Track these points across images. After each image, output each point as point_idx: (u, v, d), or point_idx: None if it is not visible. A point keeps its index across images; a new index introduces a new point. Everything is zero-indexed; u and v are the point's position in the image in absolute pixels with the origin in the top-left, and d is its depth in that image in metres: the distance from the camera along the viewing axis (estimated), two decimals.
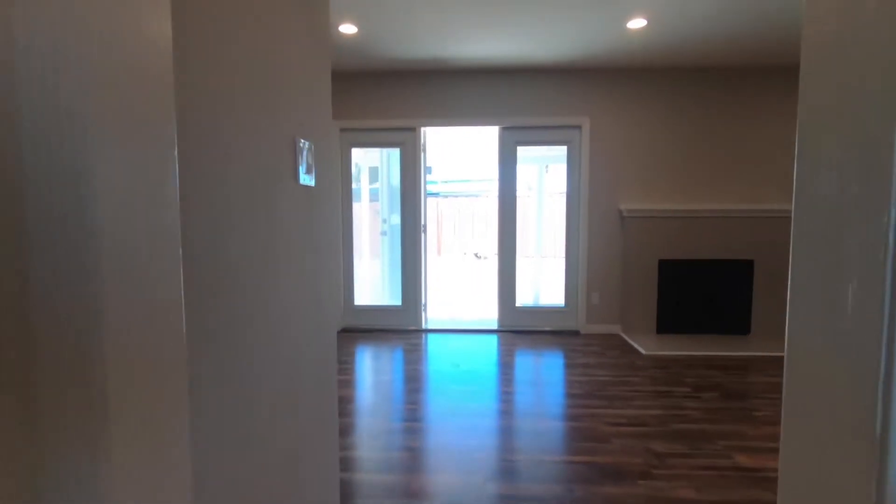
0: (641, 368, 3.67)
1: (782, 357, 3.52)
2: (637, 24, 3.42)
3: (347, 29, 3.49)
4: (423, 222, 4.82)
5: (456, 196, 15.18)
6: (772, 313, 4.50)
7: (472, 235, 13.96)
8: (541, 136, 4.67)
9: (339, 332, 4.75)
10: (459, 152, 14.72)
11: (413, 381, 3.41)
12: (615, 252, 4.67)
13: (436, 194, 15.97)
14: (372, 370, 3.68)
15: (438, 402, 3.05)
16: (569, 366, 3.73)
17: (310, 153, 1.28)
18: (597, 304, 4.71)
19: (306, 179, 1.26)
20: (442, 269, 10.88)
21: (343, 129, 4.70)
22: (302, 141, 1.21)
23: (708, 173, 4.57)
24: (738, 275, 4.51)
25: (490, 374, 3.56)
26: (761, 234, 4.43)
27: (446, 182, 16.23)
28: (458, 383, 3.34)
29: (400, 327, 4.84)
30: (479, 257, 13.53)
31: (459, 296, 7.35)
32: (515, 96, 4.57)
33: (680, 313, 4.58)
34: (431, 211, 13.85)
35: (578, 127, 4.60)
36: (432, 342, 4.45)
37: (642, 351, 4.08)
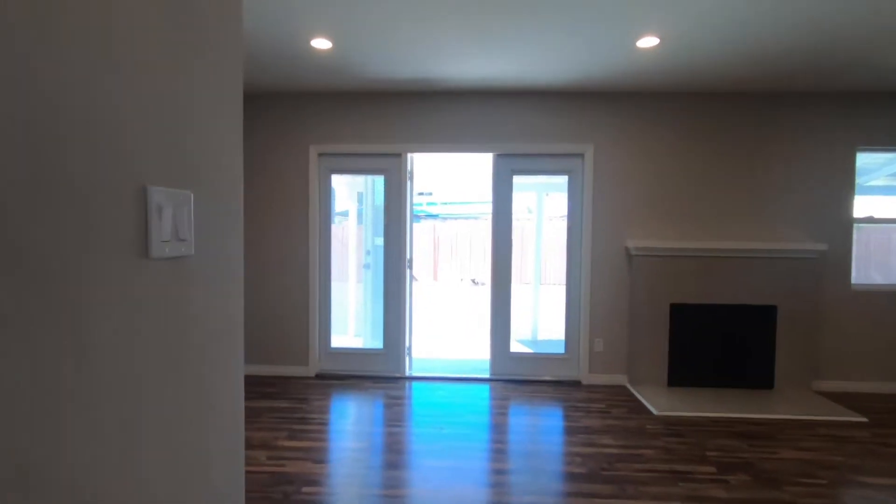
0: (654, 435, 3.16)
1: (811, 421, 3.00)
2: (648, 42, 3.02)
3: (320, 44, 3.09)
4: (408, 256, 4.36)
5: (456, 218, 14.80)
6: (796, 366, 4.01)
7: (470, 259, 13.50)
8: (539, 164, 4.25)
9: (312, 379, 4.25)
10: (460, 173, 14.39)
11: (389, 452, 2.90)
12: (621, 294, 4.19)
13: (435, 216, 15.61)
14: (342, 433, 3.17)
15: (415, 485, 2.54)
16: (570, 430, 3.22)
17: (183, 209, 0.83)
18: (600, 351, 4.22)
19: (171, 250, 0.80)
20: (436, 296, 10.40)
21: (321, 154, 4.27)
22: (159, 192, 0.76)
23: (726, 209, 4.13)
24: (759, 322, 4.03)
25: (479, 440, 3.05)
26: (785, 277, 3.96)
27: (446, 204, 15.87)
28: (440, 457, 2.83)
29: (381, 374, 4.34)
30: (477, 283, 13.05)
31: (452, 328, 6.85)
32: (511, 121, 4.17)
33: (694, 364, 4.08)
34: (428, 234, 13.43)
35: (581, 155, 4.18)
36: (417, 393, 3.95)
37: (653, 410, 3.57)
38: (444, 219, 15.05)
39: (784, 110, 4.07)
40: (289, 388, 4.00)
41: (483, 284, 12.71)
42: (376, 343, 4.43)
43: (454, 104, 4.17)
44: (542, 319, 5.51)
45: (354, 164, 4.31)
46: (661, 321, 4.06)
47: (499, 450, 2.93)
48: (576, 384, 4.20)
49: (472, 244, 13.40)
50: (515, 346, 4.41)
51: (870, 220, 4.22)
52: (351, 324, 4.83)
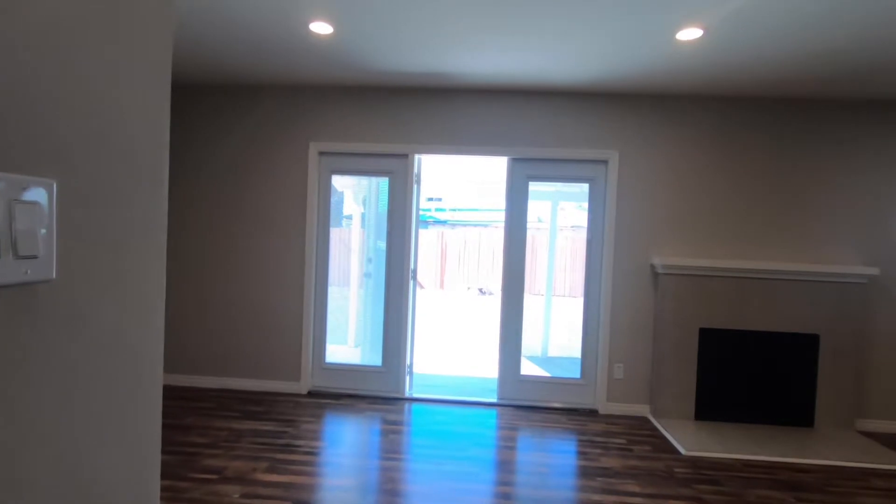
0: (684, 482, 2.76)
1: (863, 470, 2.57)
2: (690, 34, 2.66)
3: (320, 28, 2.76)
4: (412, 266, 4.01)
5: (465, 225, 14.44)
6: (840, 402, 3.59)
7: (478, 267, 13.13)
8: (558, 170, 3.89)
9: (303, 397, 3.90)
10: (470, 178, 14.07)
11: (381, 494, 2.53)
12: (645, 316, 3.81)
13: (443, 222, 15.27)
14: (330, 466, 2.80)
15: None
16: (587, 472, 2.84)
17: (32, 209, 0.49)
18: (620, 378, 3.83)
19: (4, 273, 0.46)
20: (442, 305, 10.02)
21: (322, 153, 3.95)
22: None
23: (764, 226, 3.73)
24: (799, 352, 3.62)
25: (483, 482, 2.67)
26: (829, 303, 3.56)
27: (455, 210, 15.53)
28: (438, 501, 2.46)
29: (379, 393, 3.98)
30: (484, 293, 12.66)
31: (457, 340, 6.48)
32: (529, 123, 3.81)
33: (725, 396, 3.68)
34: (436, 241, 13.09)
35: (605, 162, 3.82)
36: (417, 418, 3.58)
37: (681, 449, 3.17)
38: (453, 225, 14.69)
39: (832, 118, 3.68)
40: (276, 407, 3.65)
41: (491, 294, 12.32)
42: (375, 358, 4.08)
43: (467, 102, 3.83)
44: (554, 334, 5.13)
45: (357, 165, 3.98)
46: (690, 347, 3.66)
47: (505, 495, 2.55)
48: (592, 413, 3.81)
49: (481, 252, 13.04)
50: (526, 368, 4.04)
51: None
52: (351, 333, 4.48)
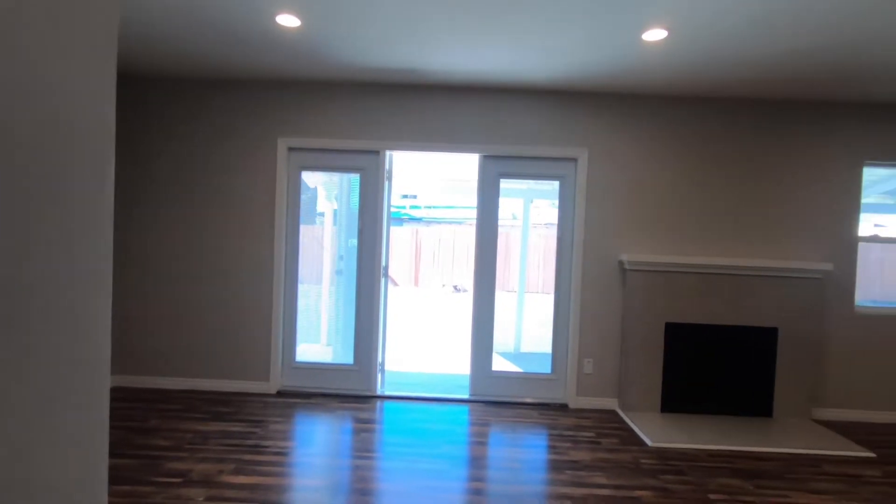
0: (650, 472, 2.83)
1: (817, 457, 2.69)
2: (655, 35, 2.72)
3: (287, 21, 2.71)
4: (384, 263, 3.99)
5: (440, 222, 14.43)
6: (797, 393, 3.74)
7: (453, 265, 13.16)
8: (529, 168, 3.92)
9: (273, 397, 3.83)
10: (445, 176, 14.05)
11: (352, 494, 2.50)
12: (613, 311, 3.88)
13: (418, 219, 15.22)
14: (300, 466, 2.76)
15: None
16: (557, 466, 2.88)
17: None
18: (590, 372, 3.89)
19: None
20: (416, 303, 9.99)
21: (291, 149, 3.88)
22: None
23: (728, 223, 3.85)
24: (760, 345, 3.76)
25: (455, 478, 2.68)
26: (788, 297, 3.70)
27: (430, 207, 15.50)
28: (411, 500, 2.46)
29: (351, 392, 3.94)
30: (459, 290, 12.70)
31: (431, 337, 6.47)
32: (500, 121, 3.83)
33: (689, 389, 3.78)
34: (410, 238, 13.05)
35: (574, 160, 3.87)
36: (389, 416, 3.56)
37: (648, 441, 3.25)
38: (428, 223, 14.67)
39: (791, 119, 3.82)
40: (245, 408, 3.58)
41: (465, 291, 12.37)
42: (346, 356, 4.04)
43: (439, 99, 3.82)
44: (527, 330, 5.19)
45: (328, 161, 3.92)
46: (656, 342, 3.75)
47: (477, 491, 2.57)
48: (562, 408, 3.87)
49: (456, 250, 13.07)
50: (498, 364, 4.07)
51: (874, 238, 3.99)
52: (323, 331, 4.42)
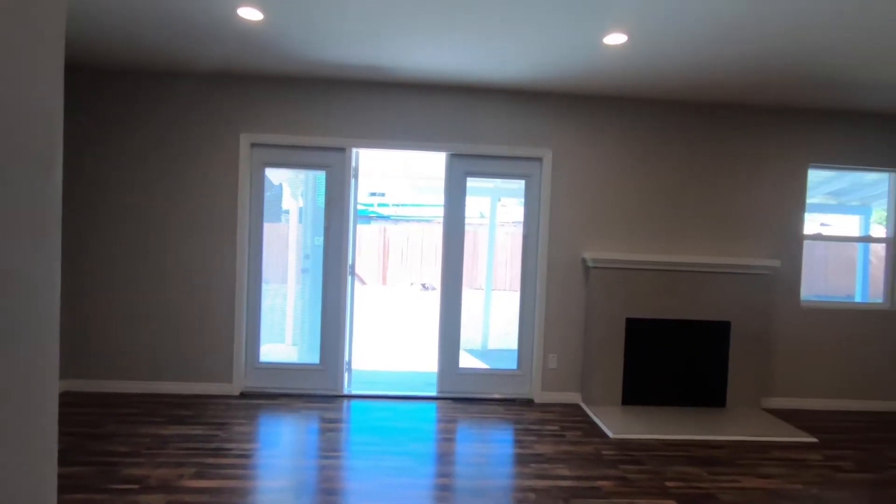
0: (610, 463, 2.93)
1: (765, 443, 2.85)
2: (616, 39, 2.80)
3: (249, 14, 2.65)
4: (350, 261, 3.96)
5: (408, 220, 14.39)
6: (747, 384, 3.94)
7: (422, 263, 13.16)
8: (495, 167, 3.97)
9: (236, 398, 3.75)
10: (414, 174, 14.02)
11: (319, 494, 2.49)
12: (577, 307, 3.98)
13: (386, 217, 15.13)
14: (264, 468, 2.72)
15: None
16: (522, 459, 2.94)
17: None
18: (554, 367, 3.98)
19: None
20: (384, 301, 9.93)
21: (255, 145, 3.80)
22: None
23: (685, 223, 4.01)
24: (714, 339, 3.93)
25: (422, 475, 2.70)
26: (739, 293, 3.89)
27: (398, 205, 15.44)
28: (378, 499, 2.46)
29: (316, 391, 3.90)
30: (427, 288, 12.71)
31: (399, 335, 6.46)
32: (468, 120, 3.86)
33: (649, 382, 3.93)
34: (378, 236, 12.97)
35: (539, 160, 3.94)
36: (356, 415, 3.55)
37: (609, 433, 3.36)
38: (396, 221, 14.62)
39: (742, 123, 4.00)
40: (207, 411, 3.49)
41: (434, 289, 12.39)
42: (312, 356, 3.99)
43: (407, 97, 3.82)
44: (494, 327, 5.25)
45: (292, 158, 3.86)
46: (617, 337, 3.87)
47: (444, 486, 2.60)
48: (528, 403, 3.95)
49: (424, 248, 13.07)
50: (465, 361, 4.11)
51: (818, 237, 4.24)
52: (288, 331, 4.35)
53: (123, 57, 3.42)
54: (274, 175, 4.11)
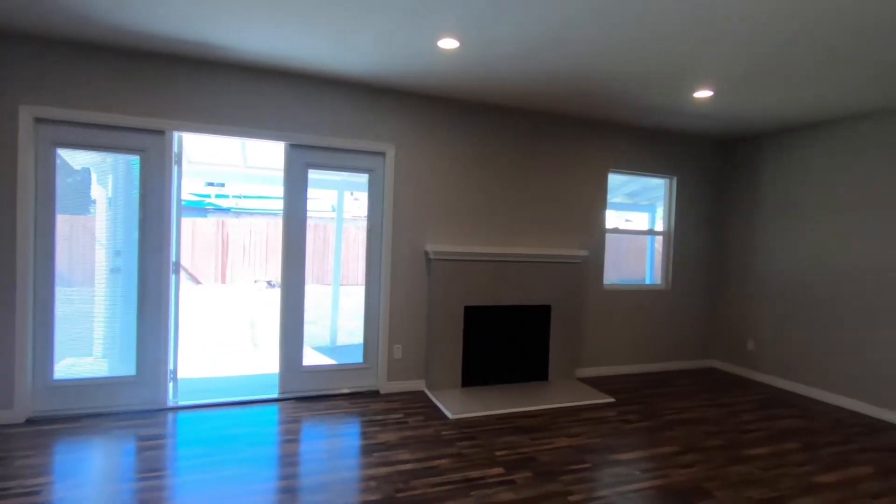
0: (448, 442, 3.14)
1: (576, 408, 3.37)
2: (449, 44, 2.97)
3: None
4: (174, 259, 3.55)
5: (251, 214, 13.32)
6: (565, 358, 4.55)
7: (267, 259, 12.33)
8: (338, 160, 3.91)
9: (20, 426, 3.10)
10: (255, 164, 12.99)
11: None
12: (420, 298, 4.15)
13: (226, 210, 13.79)
14: (61, 503, 2.31)
15: None
16: (366, 450, 2.98)
17: None
18: (399, 358, 4.10)
19: None
20: (224, 301, 9.07)
21: (40, 120, 3.16)
22: None
23: (515, 218, 4.44)
24: (538, 321, 4.45)
25: (263, 480, 2.56)
26: (557, 280, 4.46)
27: (239, 197, 14.18)
28: None
29: (132, 407, 3.43)
30: (273, 285, 11.97)
31: (237, 338, 5.98)
32: (309, 110, 3.74)
33: (484, 364, 4.29)
34: (216, 230, 11.79)
35: (382, 154, 4.00)
36: (183, 428, 3.20)
37: (448, 414, 3.58)
38: (238, 214, 13.44)
39: (559, 130, 4.58)
40: None
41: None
42: (127, 368, 3.49)
43: (239, 80, 3.54)
44: (343, 322, 5.19)
45: (95, 138, 3.30)
46: (457, 324, 4.14)
47: (286, 489, 2.50)
48: (374, 394, 4.00)
49: (270, 243, 12.28)
50: (311, 358, 3.99)
51: (616, 230, 5.06)
52: (97, 342, 3.72)
53: None
54: (73, 158, 3.47)
